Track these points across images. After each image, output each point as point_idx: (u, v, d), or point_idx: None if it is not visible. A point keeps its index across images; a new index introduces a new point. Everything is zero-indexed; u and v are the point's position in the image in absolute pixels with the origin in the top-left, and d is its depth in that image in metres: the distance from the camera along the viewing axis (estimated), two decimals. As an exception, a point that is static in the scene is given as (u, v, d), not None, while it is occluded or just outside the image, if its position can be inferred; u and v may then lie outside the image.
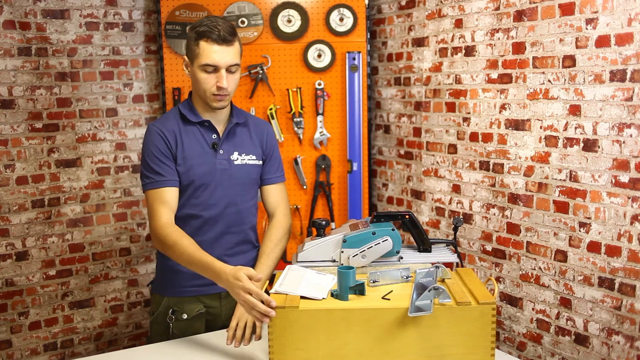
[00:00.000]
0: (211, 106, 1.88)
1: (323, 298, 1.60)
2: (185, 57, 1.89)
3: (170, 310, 1.93)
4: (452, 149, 2.80)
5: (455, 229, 1.94)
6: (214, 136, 1.93)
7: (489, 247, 2.65)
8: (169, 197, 1.87)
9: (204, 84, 1.84)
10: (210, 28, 1.80)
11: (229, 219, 1.95)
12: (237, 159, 1.96)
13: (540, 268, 2.42)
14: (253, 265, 1.97)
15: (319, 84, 3.12)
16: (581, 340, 2.27)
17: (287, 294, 1.61)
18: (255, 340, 1.83)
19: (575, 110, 2.24)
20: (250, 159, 1.98)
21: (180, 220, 1.90)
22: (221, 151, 1.93)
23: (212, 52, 1.80)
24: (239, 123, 1.98)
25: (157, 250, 2.05)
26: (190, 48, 1.85)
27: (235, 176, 1.94)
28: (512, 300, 2.56)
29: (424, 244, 1.90)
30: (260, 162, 2.01)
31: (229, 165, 1.93)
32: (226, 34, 1.80)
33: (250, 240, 2.03)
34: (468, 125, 2.71)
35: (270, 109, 3.10)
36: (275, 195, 2.05)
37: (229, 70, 1.83)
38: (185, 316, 1.93)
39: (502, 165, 2.55)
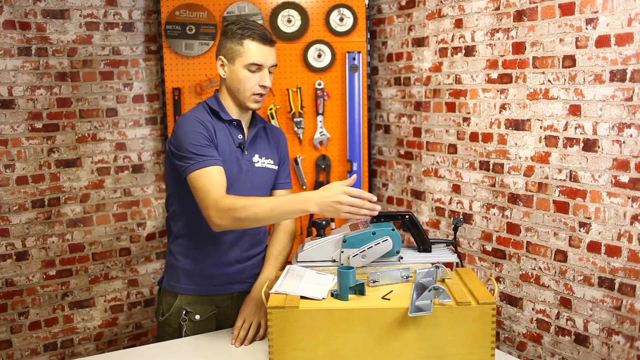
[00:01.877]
0: (248, 106, 1.89)
1: (323, 298, 1.60)
2: (222, 57, 1.88)
3: (184, 312, 1.93)
4: (452, 149, 2.80)
5: (455, 229, 1.94)
6: (240, 136, 1.94)
7: (489, 247, 2.65)
8: (218, 176, 1.79)
9: (246, 83, 1.85)
10: (255, 28, 1.84)
11: None
12: (258, 161, 1.97)
13: (540, 268, 2.42)
14: (262, 265, 2.01)
15: (319, 84, 3.12)
16: (581, 340, 2.27)
17: (287, 294, 1.61)
18: (258, 339, 1.83)
19: (575, 110, 2.24)
20: (269, 163, 2.00)
21: (202, 216, 1.87)
22: (246, 152, 1.94)
23: (259, 52, 1.83)
24: (260, 127, 2.01)
25: (168, 249, 2.05)
26: (230, 47, 1.85)
27: (256, 178, 1.95)
28: (512, 300, 2.56)
29: (424, 244, 1.90)
30: (276, 167, 2.04)
31: (251, 167, 1.94)
32: (270, 35, 1.86)
33: (263, 242, 2.06)
34: (468, 125, 2.71)
35: (270, 109, 3.10)
36: None
37: (269, 70, 1.87)
38: (198, 317, 1.93)
39: (502, 165, 2.55)
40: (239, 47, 1.84)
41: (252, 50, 1.83)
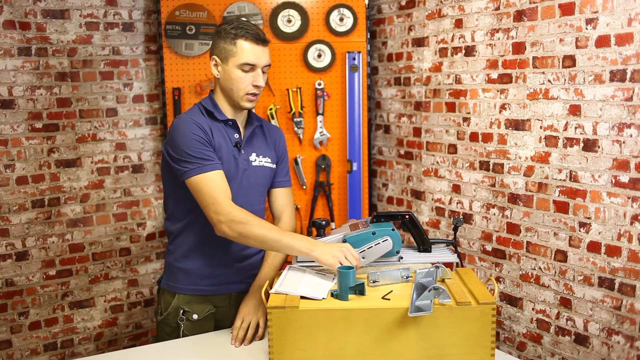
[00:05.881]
0: (241, 106, 1.89)
1: (323, 298, 1.60)
2: (216, 57, 1.88)
3: (181, 311, 1.94)
4: (452, 149, 2.80)
5: (455, 229, 1.94)
6: (236, 136, 1.94)
7: (489, 247, 2.65)
8: (222, 182, 1.81)
9: (239, 83, 1.85)
10: (248, 28, 1.84)
11: None
12: (255, 160, 1.97)
13: (540, 268, 2.42)
14: (260, 265, 2.00)
15: (319, 84, 3.12)
16: (581, 340, 2.27)
17: (287, 294, 1.61)
18: (257, 339, 1.83)
19: (575, 110, 2.24)
20: (267, 162, 2.00)
21: (200, 217, 1.86)
22: (242, 151, 1.94)
23: (252, 52, 1.83)
24: (257, 126, 2.01)
25: (167, 249, 2.04)
26: (223, 47, 1.85)
27: (253, 177, 1.96)
28: (512, 300, 2.56)
29: (424, 244, 1.90)
30: (274, 165, 2.03)
31: (248, 166, 1.94)
32: (263, 35, 1.86)
33: None
34: (468, 125, 2.71)
35: (270, 109, 3.10)
36: (283, 198, 2.07)
37: (262, 70, 1.87)
38: (195, 317, 1.93)
39: (502, 165, 2.55)
40: (232, 47, 1.84)
41: (245, 50, 1.83)
